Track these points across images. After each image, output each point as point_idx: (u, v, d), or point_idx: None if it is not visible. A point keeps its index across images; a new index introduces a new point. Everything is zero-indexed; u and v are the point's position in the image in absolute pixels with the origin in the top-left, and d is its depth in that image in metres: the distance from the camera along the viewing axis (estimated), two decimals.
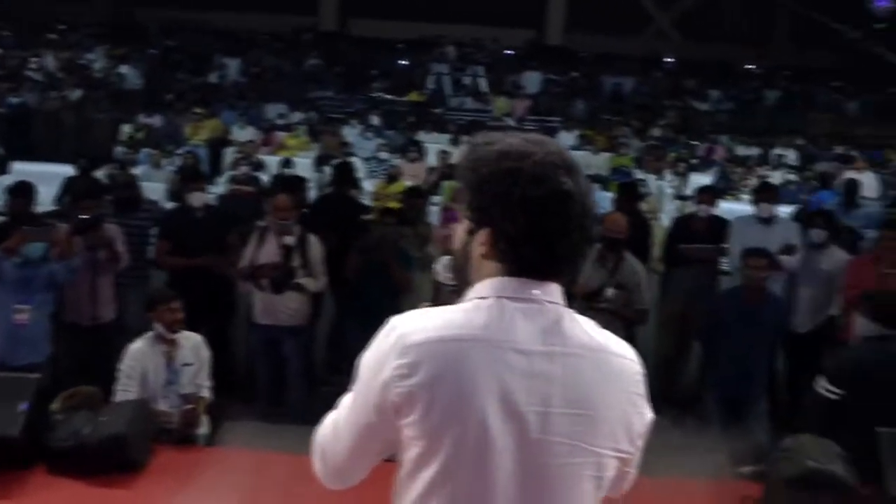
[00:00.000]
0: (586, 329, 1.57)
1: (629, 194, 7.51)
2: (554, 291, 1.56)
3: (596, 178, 11.14)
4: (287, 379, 6.21)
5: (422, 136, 15.26)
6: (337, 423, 1.62)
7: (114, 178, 8.57)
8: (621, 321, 5.74)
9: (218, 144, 14.02)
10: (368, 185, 11.75)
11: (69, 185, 8.06)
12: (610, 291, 5.76)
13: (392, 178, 11.52)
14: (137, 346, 4.56)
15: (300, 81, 19.71)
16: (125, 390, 4.44)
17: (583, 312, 1.62)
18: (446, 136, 15.20)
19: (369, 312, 6.17)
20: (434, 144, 14.45)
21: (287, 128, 15.39)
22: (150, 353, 4.56)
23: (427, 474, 1.49)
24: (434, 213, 11.43)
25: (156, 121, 14.83)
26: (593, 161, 13.66)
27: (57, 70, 16.28)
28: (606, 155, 14.20)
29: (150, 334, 4.63)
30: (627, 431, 1.56)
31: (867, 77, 20.40)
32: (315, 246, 6.08)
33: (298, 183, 7.37)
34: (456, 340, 1.48)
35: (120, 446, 3.84)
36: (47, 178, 10.26)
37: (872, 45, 18.82)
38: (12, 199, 6.32)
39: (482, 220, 1.55)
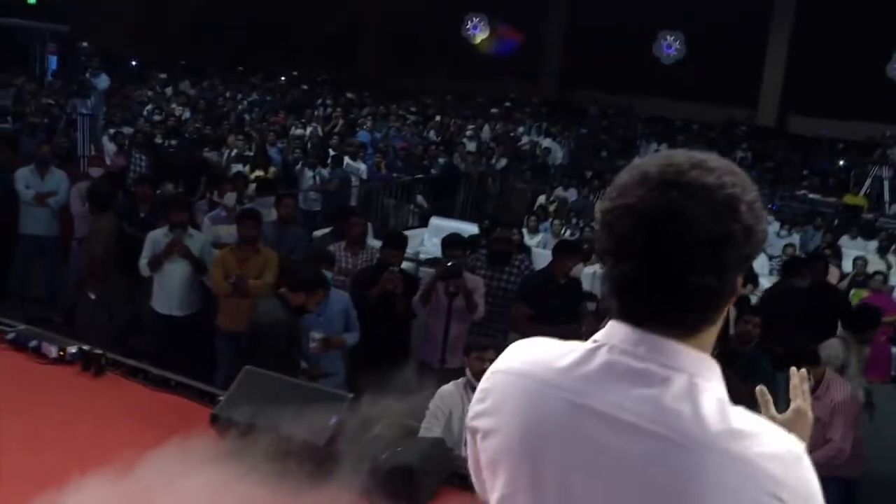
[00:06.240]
0: (710, 415, 1.20)
1: None
2: (675, 352, 1.24)
3: None
4: None
5: (844, 240, 14.12)
6: None
7: (488, 232, 8.95)
8: None
9: None
10: (766, 283, 11.17)
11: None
12: None
13: None
14: (448, 389, 4.70)
15: None
16: (428, 428, 4.58)
17: None
18: (874, 244, 13.84)
19: None
20: (853, 251, 13.25)
21: None
22: (458, 397, 4.67)
23: None
24: None
25: (570, 194, 15.41)
26: None
27: (489, 140, 17.69)
28: None
29: (462, 379, 4.74)
30: None
31: None
32: None
33: None
34: (528, 378, 1.32)
35: (406, 478, 3.95)
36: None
37: None
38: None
39: None
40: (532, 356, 1.35)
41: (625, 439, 1.21)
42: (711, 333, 1.28)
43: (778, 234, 14.23)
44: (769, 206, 16.63)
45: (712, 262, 1.19)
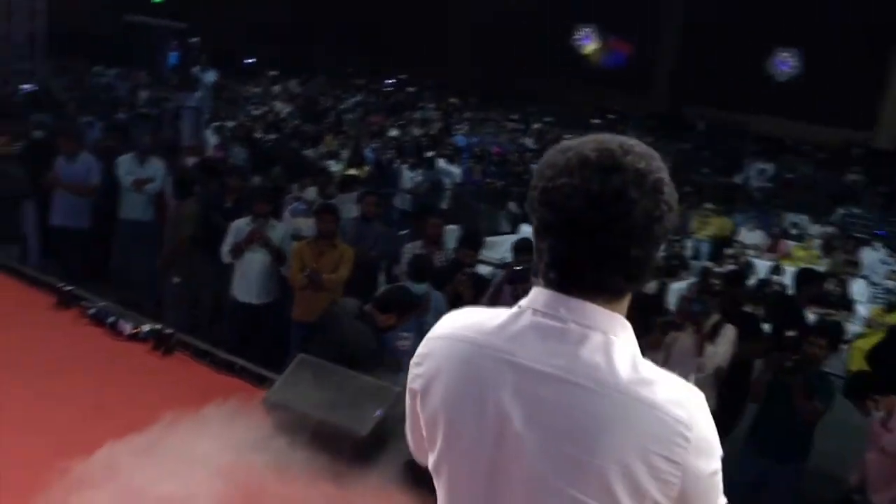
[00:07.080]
0: (622, 366, 1.35)
1: None
2: (591, 313, 1.39)
3: None
4: None
5: None
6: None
7: None
8: None
9: (721, 243, 13.85)
10: (863, 310, 10.74)
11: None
12: None
13: (893, 307, 10.38)
14: None
15: (832, 195, 18.62)
16: None
17: None
18: None
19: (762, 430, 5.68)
20: None
21: (800, 238, 14.64)
22: None
23: (431, 461, 1.52)
24: None
25: None
26: None
27: None
28: None
29: None
30: (633, 494, 1.33)
31: None
32: (721, 342, 5.76)
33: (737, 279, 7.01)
34: (462, 341, 1.47)
35: None
36: None
37: None
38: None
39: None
40: (463, 322, 1.50)
41: (549, 389, 1.36)
42: (628, 299, 1.43)
43: (883, 262, 13.62)
44: (874, 231, 15.97)
45: (646, 236, 1.36)
